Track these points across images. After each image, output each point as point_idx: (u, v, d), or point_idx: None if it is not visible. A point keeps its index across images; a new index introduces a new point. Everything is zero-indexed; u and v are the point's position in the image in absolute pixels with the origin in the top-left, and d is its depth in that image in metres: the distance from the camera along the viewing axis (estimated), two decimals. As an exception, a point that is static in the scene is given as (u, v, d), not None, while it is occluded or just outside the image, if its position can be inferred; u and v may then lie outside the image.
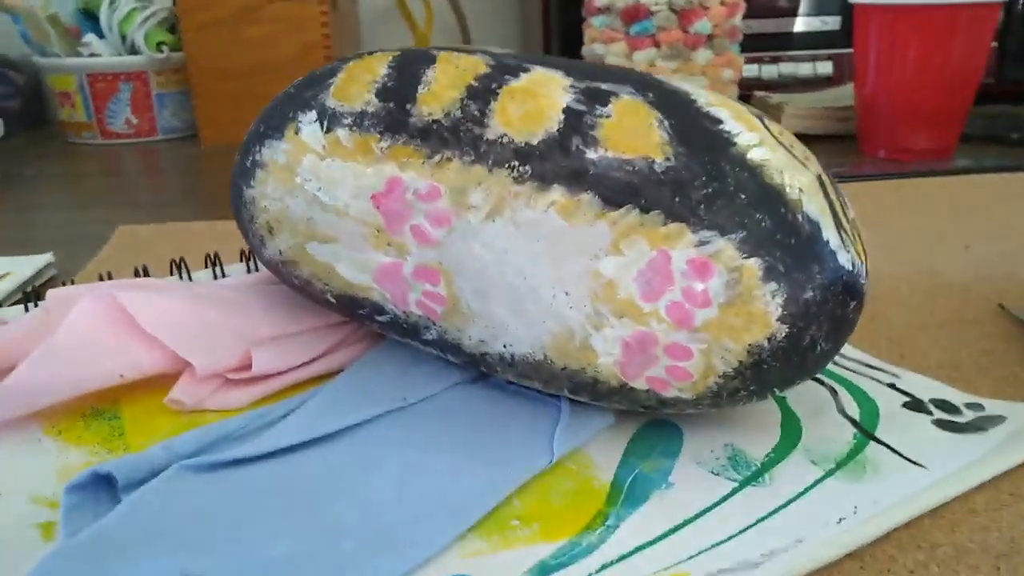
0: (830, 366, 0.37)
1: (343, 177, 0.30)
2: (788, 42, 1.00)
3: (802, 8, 0.99)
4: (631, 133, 0.28)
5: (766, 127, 0.30)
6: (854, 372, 0.36)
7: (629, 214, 0.28)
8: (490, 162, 0.29)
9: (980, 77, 0.77)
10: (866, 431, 0.32)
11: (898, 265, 0.51)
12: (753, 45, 0.99)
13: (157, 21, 1.01)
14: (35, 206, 0.71)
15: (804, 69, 1.01)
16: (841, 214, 0.30)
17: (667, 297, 0.28)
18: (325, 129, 0.30)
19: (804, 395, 0.34)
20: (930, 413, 0.33)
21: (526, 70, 0.31)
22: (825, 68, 1.01)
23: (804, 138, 0.90)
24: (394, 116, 0.29)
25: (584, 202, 0.28)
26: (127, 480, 0.28)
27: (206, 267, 0.45)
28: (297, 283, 0.34)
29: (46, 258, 0.52)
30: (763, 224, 0.27)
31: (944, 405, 0.33)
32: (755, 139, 0.29)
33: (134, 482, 0.28)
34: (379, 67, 0.31)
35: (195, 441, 0.31)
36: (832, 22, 1.00)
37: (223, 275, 0.45)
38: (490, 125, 0.29)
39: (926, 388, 0.35)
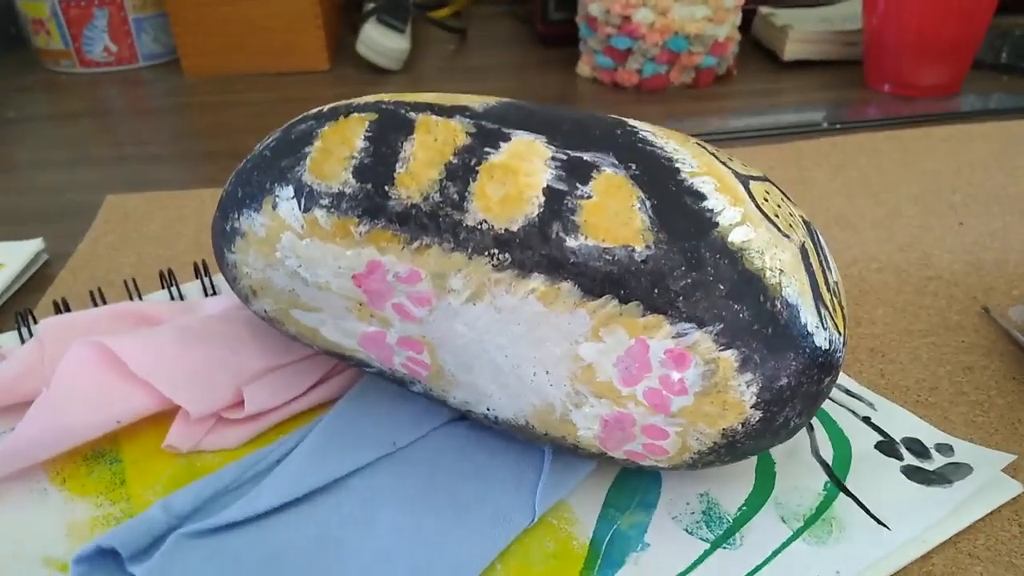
0: (809, 392, 0.38)
1: (323, 257, 0.30)
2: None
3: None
4: (612, 218, 0.28)
5: (750, 194, 0.29)
6: (833, 401, 0.37)
7: (608, 304, 0.28)
8: (470, 249, 0.28)
9: (994, 7, 0.74)
10: (837, 480, 0.33)
11: (891, 251, 0.51)
12: (761, -45, 0.94)
13: (130, -65, 0.95)
14: (20, 164, 0.70)
15: (813, -19, 0.96)
16: (822, 283, 0.30)
17: (645, 383, 0.28)
18: (303, 208, 0.30)
19: (781, 433, 0.36)
20: (900, 458, 0.34)
21: (506, 138, 0.30)
22: (836, -20, 0.96)
23: (810, 64, 0.87)
24: (372, 199, 0.29)
25: (564, 291, 0.28)
26: (130, 551, 0.30)
27: (196, 277, 0.45)
28: (284, 335, 0.34)
29: (36, 244, 0.52)
30: (741, 316, 0.27)
31: (915, 446, 0.34)
32: (737, 216, 0.28)
33: (137, 552, 0.30)
34: (355, 138, 0.30)
35: (193, 499, 0.32)
36: (846, -72, 0.94)
37: (213, 290, 0.45)
38: (469, 210, 0.28)
39: (900, 424, 0.36)
